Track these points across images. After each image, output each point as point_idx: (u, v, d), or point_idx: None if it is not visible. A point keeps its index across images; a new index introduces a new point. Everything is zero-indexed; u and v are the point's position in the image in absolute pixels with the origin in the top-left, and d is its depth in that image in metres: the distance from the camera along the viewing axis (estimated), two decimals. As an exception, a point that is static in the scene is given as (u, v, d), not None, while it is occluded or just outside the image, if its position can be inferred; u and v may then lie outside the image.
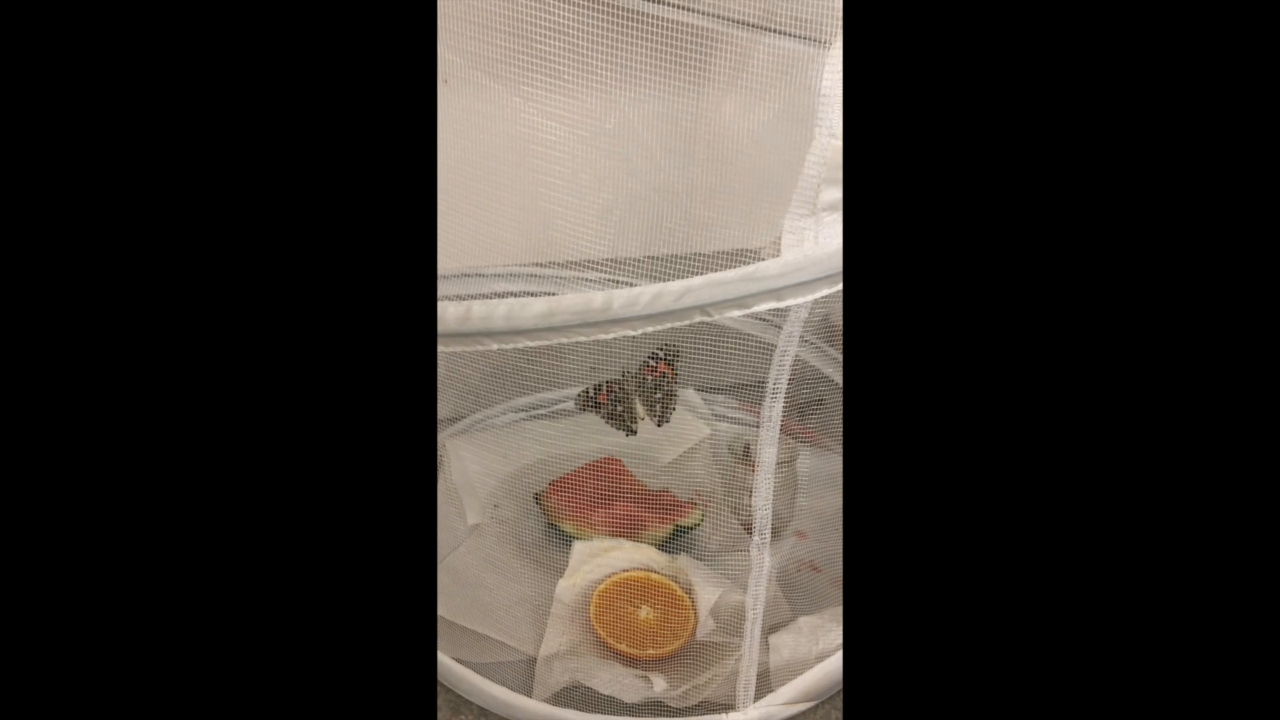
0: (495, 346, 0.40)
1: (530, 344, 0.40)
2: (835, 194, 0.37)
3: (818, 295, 0.39)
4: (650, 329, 0.40)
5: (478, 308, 0.39)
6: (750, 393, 0.89)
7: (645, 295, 0.38)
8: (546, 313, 0.39)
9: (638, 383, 0.64)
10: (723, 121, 0.52)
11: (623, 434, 0.65)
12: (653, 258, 0.68)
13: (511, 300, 0.39)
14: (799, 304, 0.40)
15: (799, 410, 0.84)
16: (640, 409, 0.64)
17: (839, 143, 0.36)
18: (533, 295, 0.70)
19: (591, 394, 0.64)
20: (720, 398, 0.85)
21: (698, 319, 0.39)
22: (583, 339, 0.39)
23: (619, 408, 0.64)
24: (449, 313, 0.39)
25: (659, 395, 0.63)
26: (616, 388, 0.64)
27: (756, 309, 0.39)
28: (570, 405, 0.83)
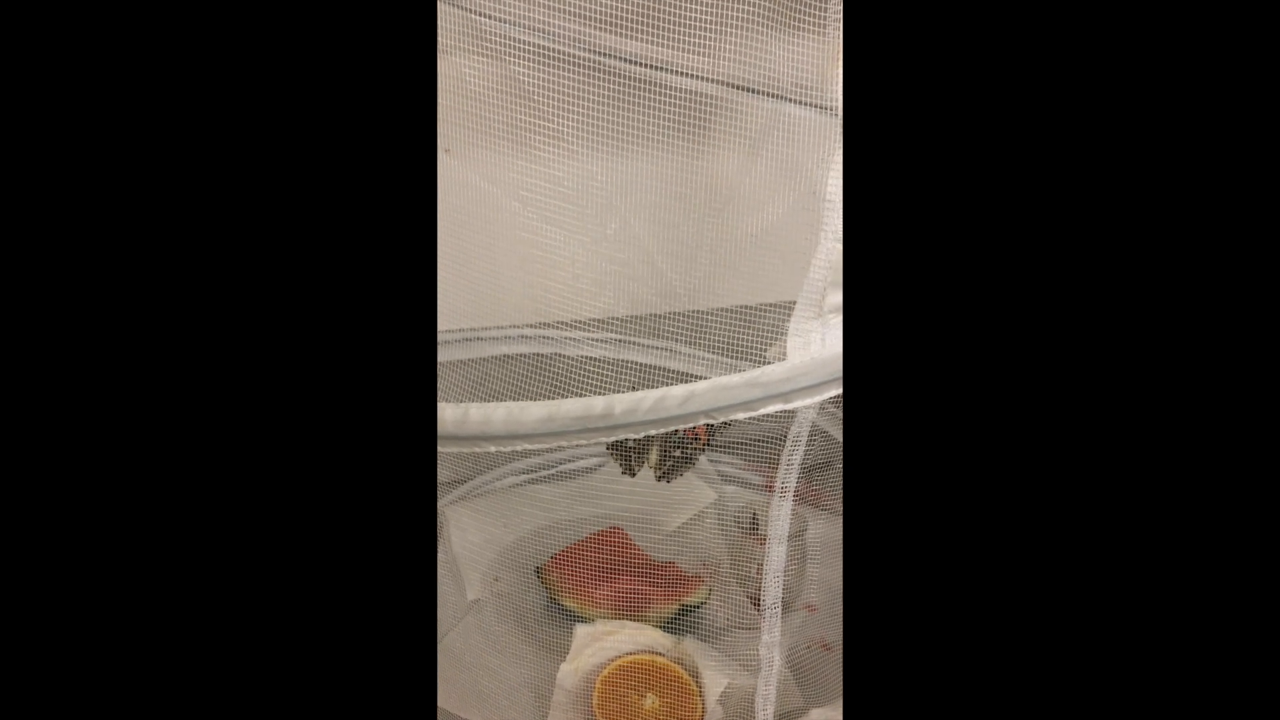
0: (493, 449, 0.39)
1: (530, 447, 0.39)
2: (841, 297, 0.36)
3: (825, 397, 0.38)
4: (653, 431, 0.39)
5: (475, 411, 0.38)
6: (755, 450, 0.87)
7: (648, 400, 0.37)
8: (546, 418, 0.37)
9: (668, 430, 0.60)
10: (729, 219, 0.51)
11: (620, 470, 0.60)
12: (656, 315, 0.67)
13: (511, 404, 0.38)
14: (806, 405, 0.39)
15: (806, 472, 0.82)
16: (654, 457, 0.59)
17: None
18: (540, 356, 0.69)
19: None
20: (725, 457, 0.83)
21: (702, 421, 0.38)
22: (583, 443, 0.38)
23: (630, 442, 0.59)
24: (446, 414, 0.38)
25: (678, 453, 0.59)
26: None
27: (763, 411, 0.38)
28: (576, 466, 0.81)
